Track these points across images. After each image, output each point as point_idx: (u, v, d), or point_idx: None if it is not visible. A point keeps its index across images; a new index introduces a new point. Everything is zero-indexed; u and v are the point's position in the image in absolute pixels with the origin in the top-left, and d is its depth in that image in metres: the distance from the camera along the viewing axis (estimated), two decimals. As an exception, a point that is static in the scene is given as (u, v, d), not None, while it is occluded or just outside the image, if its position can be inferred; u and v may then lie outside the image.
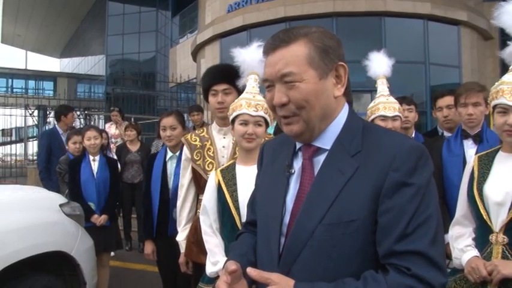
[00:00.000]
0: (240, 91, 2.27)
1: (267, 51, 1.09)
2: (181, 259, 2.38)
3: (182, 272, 2.41)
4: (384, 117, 2.51)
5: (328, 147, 1.08)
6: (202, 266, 2.17)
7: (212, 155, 2.26)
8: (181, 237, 2.39)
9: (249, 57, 2.01)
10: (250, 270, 0.99)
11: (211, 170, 2.21)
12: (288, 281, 0.97)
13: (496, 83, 1.76)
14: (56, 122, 5.71)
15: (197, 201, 2.39)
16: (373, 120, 2.54)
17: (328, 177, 1.04)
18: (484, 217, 1.70)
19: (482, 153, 1.87)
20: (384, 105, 2.52)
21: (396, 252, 0.95)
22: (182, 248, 2.37)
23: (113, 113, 7.27)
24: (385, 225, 0.97)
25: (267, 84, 1.10)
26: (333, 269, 0.99)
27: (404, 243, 0.95)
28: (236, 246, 1.28)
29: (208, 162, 2.26)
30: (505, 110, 1.68)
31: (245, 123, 1.89)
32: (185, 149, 2.35)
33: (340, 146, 1.07)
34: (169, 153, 2.94)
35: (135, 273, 4.95)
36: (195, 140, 2.33)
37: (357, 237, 0.98)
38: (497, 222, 1.66)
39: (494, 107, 1.75)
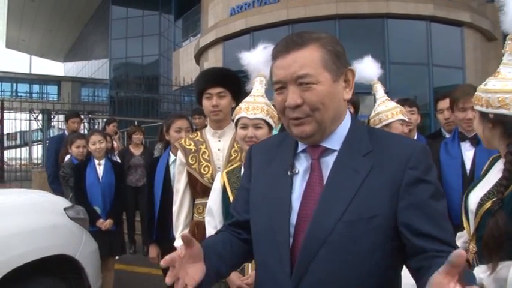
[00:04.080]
0: (236, 95, 2.27)
1: (279, 53, 1.09)
2: None
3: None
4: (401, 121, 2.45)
5: (337, 147, 1.10)
6: None
7: (208, 158, 2.26)
8: (180, 242, 2.38)
9: (254, 59, 2.00)
10: None
11: (207, 173, 2.22)
12: None
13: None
14: (65, 128, 5.71)
15: (193, 206, 2.36)
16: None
17: (343, 176, 1.06)
18: (465, 224, 1.67)
19: (497, 154, 1.72)
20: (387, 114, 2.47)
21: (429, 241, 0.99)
22: None
23: (112, 124, 6.86)
24: (411, 219, 1.01)
25: (278, 86, 1.10)
26: (352, 263, 1.01)
27: (433, 235, 0.99)
28: (209, 238, 1.29)
29: (204, 165, 2.25)
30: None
31: (245, 126, 1.91)
32: (179, 154, 2.34)
33: (349, 147, 1.09)
34: (172, 157, 2.94)
35: (139, 276, 4.96)
36: (190, 144, 2.32)
37: (378, 232, 1.01)
38: (471, 230, 1.62)
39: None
